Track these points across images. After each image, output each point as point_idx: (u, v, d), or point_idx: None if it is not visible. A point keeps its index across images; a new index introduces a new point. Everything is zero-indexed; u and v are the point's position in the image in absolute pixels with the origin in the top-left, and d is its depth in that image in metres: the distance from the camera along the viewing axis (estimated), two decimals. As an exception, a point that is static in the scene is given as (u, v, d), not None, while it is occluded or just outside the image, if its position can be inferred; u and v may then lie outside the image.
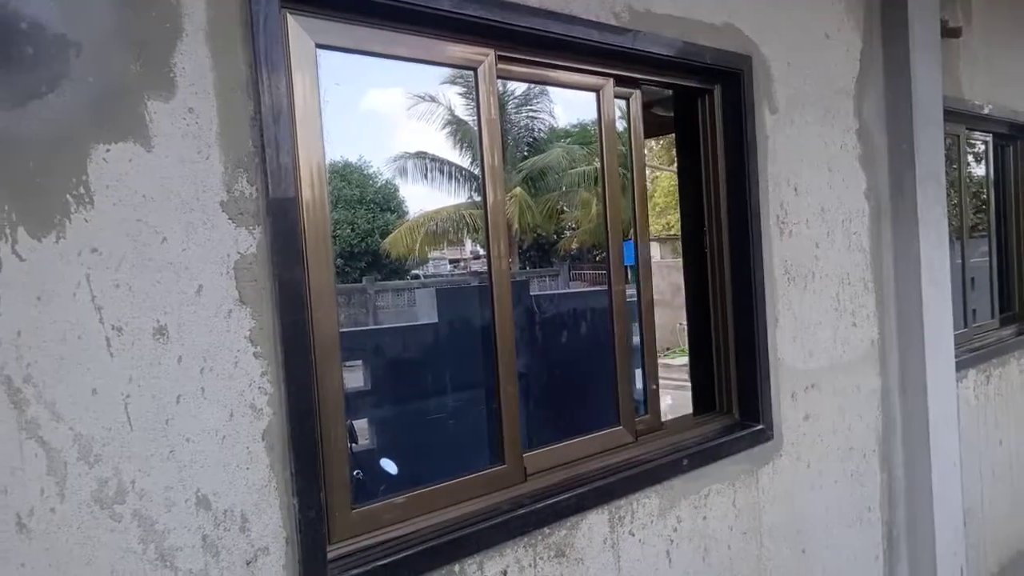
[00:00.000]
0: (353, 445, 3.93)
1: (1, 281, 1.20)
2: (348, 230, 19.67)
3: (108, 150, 1.30)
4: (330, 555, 1.59)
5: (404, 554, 1.66)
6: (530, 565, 1.92)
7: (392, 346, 5.10)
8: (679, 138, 2.79)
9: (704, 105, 2.59)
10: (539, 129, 18.14)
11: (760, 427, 2.58)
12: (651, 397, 2.49)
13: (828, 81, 2.88)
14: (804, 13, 2.80)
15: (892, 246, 3.19)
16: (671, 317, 13.72)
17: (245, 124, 1.46)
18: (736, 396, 2.63)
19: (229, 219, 1.44)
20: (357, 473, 3.17)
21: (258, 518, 1.46)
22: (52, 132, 1.25)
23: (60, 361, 1.24)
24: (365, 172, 21.87)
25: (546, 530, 1.96)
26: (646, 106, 7.81)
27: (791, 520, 2.73)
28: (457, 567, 1.77)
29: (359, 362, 5.31)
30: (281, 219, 1.49)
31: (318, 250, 1.61)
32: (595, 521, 2.08)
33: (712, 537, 2.42)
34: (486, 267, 2.01)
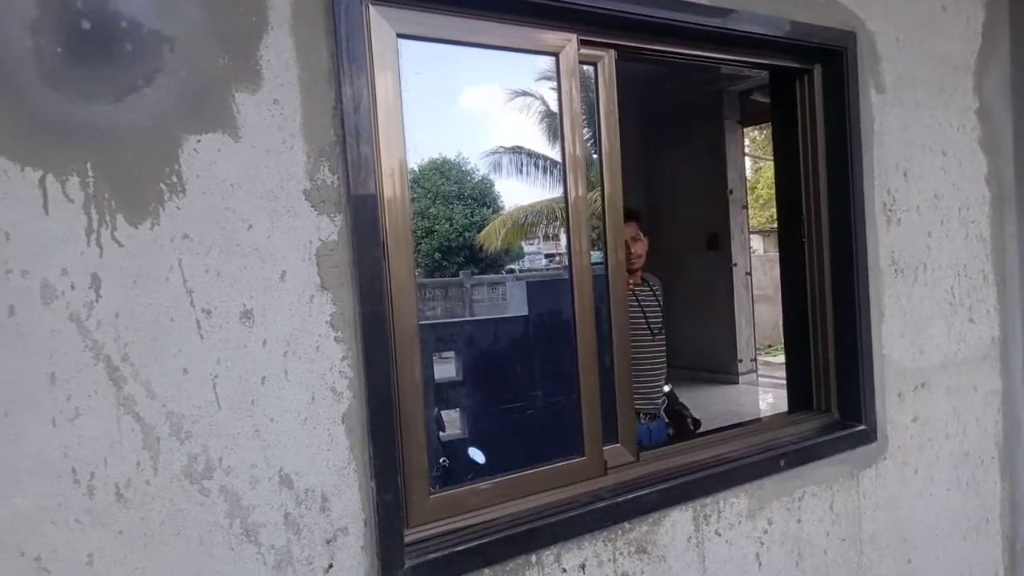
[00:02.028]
0: (441, 433, 4.00)
1: (102, 266, 1.27)
2: (446, 225, 20.05)
3: (199, 140, 1.36)
4: (407, 538, 1.61)
5: (481, 541, 1.66)
6: (609, 560, 1.88)
7: (483, 337, 5.16)
8: (775, 123, 2.66)
9: (803, 86, 2.45)
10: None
11: (862, 428, 2.43)
12: (623, 423, 2.04)
13: (944, 57, 2.67)
14: (917, -15, 2.61)
15: (1017, 236, 2.93)
16: (774, 313, 13.18)
17: (327, 114, 1.50)
18: (836, 394, 2.49)
19: (311, 207, 1.47)
20: (444, 461, 3.21)
21: (338, 499, 1.49)
22: (148, 124, 1.32)
23: (154, 342, 1.31)
24: (463, 168, 22.25)
25: (626, 525, 1.91)
26: (744, 93, 7.48)
27: (896, 528, 2.56)
28: (534, 557, 1.76)
29: (452, 353, 5.40)
30: (361, 207, 1.51)
31: (398, 238, 1.63)
32: (679, 519, 2.02)
33: (807, 542, 2.30)
34: (568, 261, 1.98)
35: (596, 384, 1.95)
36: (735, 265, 7.27)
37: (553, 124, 16.58)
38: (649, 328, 2.98)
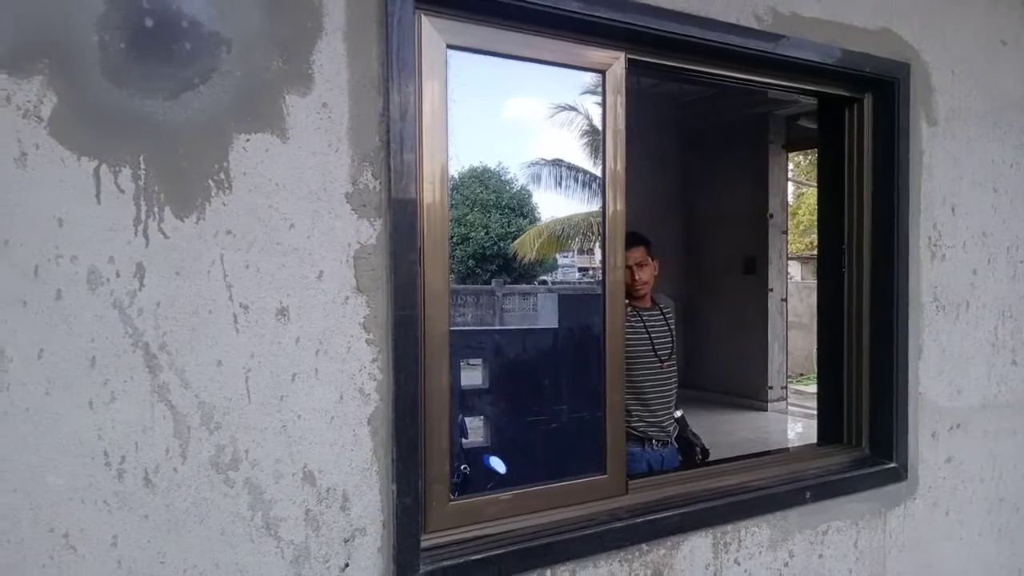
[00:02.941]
0: (463, 440, 4.00)
1: (147, 256, 1.31)
2: (482, 233, 20.15)
3: (248, 139, 1.39)
4: (424, 543, 1.62)
5: (497, 552, 1.67)
6: (626, 581, 1.87)
7: (512, 347, 5.17)
8: (822, 149, 2.63)
9: (852, 115, 2.42)
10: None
11: (892, 465, 2.38)
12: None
13: (1001, 92, 2.62)
14: (977, 17, 2.56)
15: (1066, 279, 2.85)
16: (808, 341, 12.97)
17: (373, 120, 1.52)
18: (867, 429, 2.44)
19: (352, 210, 1.50)
20: (464, 468, 3.22)
21: (359, 499, 1.51)
22: (200, 121, 1.35)
23: (192, 332, 1.34)
24: (503, 178, 22.34)
25: (644, 547, 1.90)
26: (791, 118, 7.42)
27: (922, 571, 2.49)
28: (549, 572, 1.75)
29: (479, 360, 5.42)
30: (401, 213, 1.53)
31: (435, 245, 1.64)
32: (697, 544, 1.99)
33: (828, 577, 2.26)
34: (602, 276, 1.98)
35: (622, 401, 1.95)
36: (771, 290, 7.18)
37: (595, 140, 16.60)
38: (656, 355, 2.91)
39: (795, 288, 11.81)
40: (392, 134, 1.52)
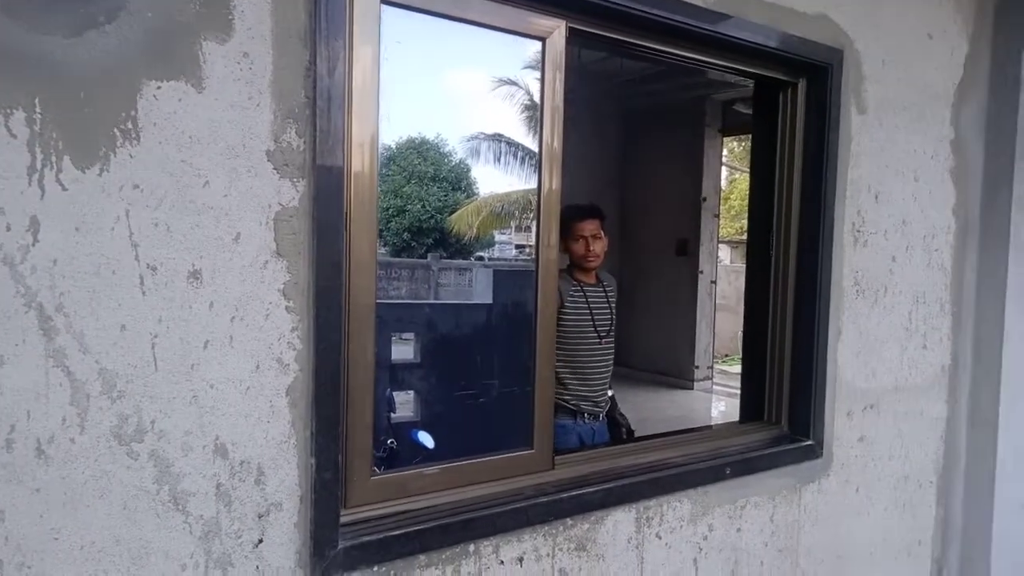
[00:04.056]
0: (391, 415, 3.94)
1: (42, 209, 1.20)
2: (419, 206, 19.88)
3: (159, 87, 1.29)
4: (344, 519, 1.57)
5: (419, 527, 1.63)
6: (548, 555, 1.87)
7: (445, 322, 5.11)
8: (756, 133, 2.65)
9: (786, 99, 2.45)
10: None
11: (809, 443, 2.45)
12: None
13: (926, 84, 2.69)
14: (908, 10, 2.62)
15: (976, 268, 2.98)
16: (734, 323, 13.36)
17: (299, 75, 1.44)
18: (787, 408, 2.51)
19: (274, 169, 1.41)
20: (391, 442, 3.17)
21: (274, 473, 1.44)
22: (105, 64, 1.24)
23: (92, 294, 1.25)
24: (441, 150, 22.05)
25: (568, 521, 1.90)
26: (727, 103, 7.53)
27: (832, 544, 2.59)
28: (472, 547, 1.73)
29: (411, 335, 5.35)
30: (326, 175, 1.46)
31: (363, 213, 1.57)
32: (621, 519, 2.01)
33: (744, 551, 2.32)
34: (535, 253, 1.95)
35: (551, 377, 1.93)
36: (701, 272, 7.31)
37: (535, 116, 16.55)
38: (596, 331, 2.93)
39: (724, 271, 12.11)
40: (319, 91, 1.44)
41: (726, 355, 13.92)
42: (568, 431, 2.81)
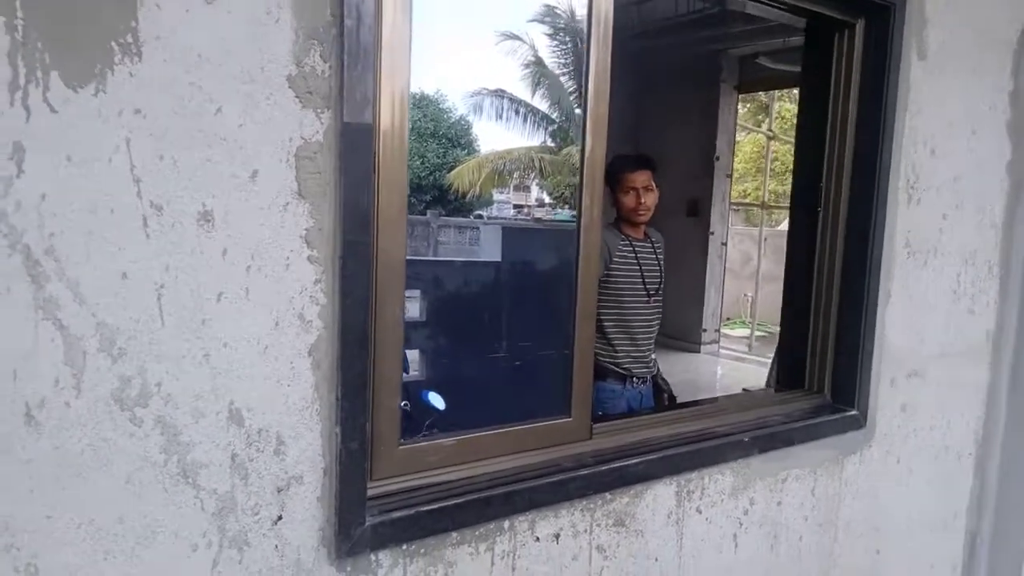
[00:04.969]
0: (404, 375, 3.80)
1: (28, 133, 1.02)
2: (418, 162, 19.51)
3: (162, -5, 1.10)
4: (370, 492, 1.42)
5: (452, 502, 1.48)
6: (586, 531, 1.73)
7: (452, 280, 4.93)
8: (805, 81, 2.45)
9: (842, 42, 2.24)
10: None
11: (853, 413, 2.31)
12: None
13: (988, 28, 2.49)
14: (971, -54, 2.40)
15: (1026, 229, 2.80)
16: (738, 286, 13.24)
17: (324, -13, 1.24)
18: (830, 376, 2.36)
19: (296, 97, 1.23)
20: (405, 404, 3.02)
21: (295, 443, 1.28)
22: (99, -36, 1.05)
23: (88, 235, 1.07)
24: (440, 106, 21.57)
25: (608, 495, 1.75)
26: (744, 58, 7.28)
27: (871, 517, 2.47)
28: (507, 523, 1.59)
29: (416, 292, 5.18)
30: (355, 104, 1.27)
31: (392, 153, 1.39)
32: (661, 492, 1.87)
33: (784, 525, 2.19)
34: (576, 214, 1.77)
35: (592, 338, 1.77)
36: (712, 234, 7.15)
37: (538, 72, 16.11)
38: (645, 289, 2.80)
39: (729, 234, 11.91)
40: (347, 7, 1.25)
41: (728, 318, 13.81)
42: (617, 396, 2.69)
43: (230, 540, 1.24)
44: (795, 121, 2.53)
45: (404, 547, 1.44)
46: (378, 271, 1.38)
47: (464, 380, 3.90)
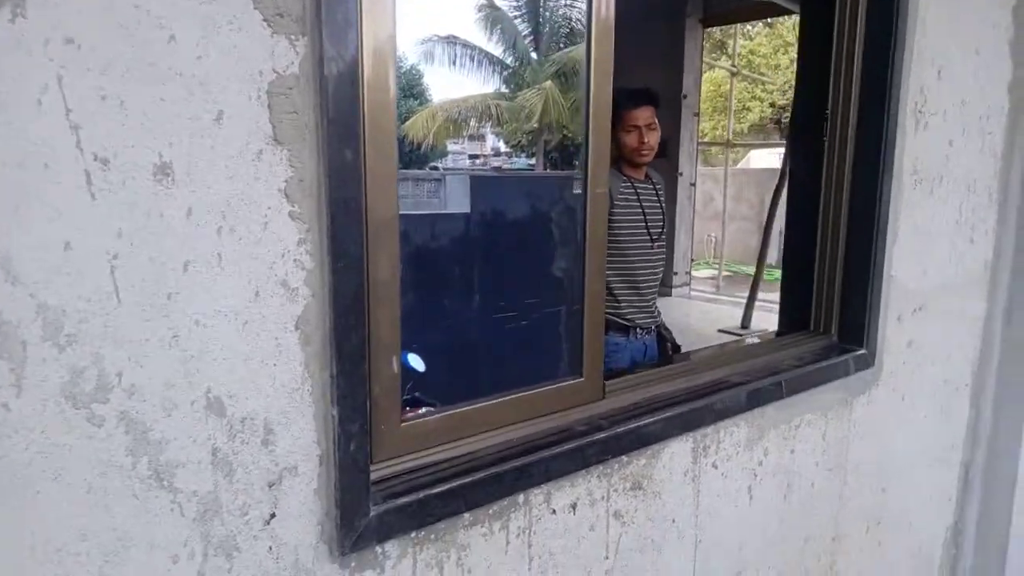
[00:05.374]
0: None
1: (-76, 71, 0.80)
2: (370, 113, 18.85)
3: None
4: (373, 477, 1.26)
5: (462, 480, 1.33)
6: (603, 498, 1.60)
7: (418, 234, 4.72)
8: (806, 4, 2.27)
9: (846, -45, 2.07)
10: (577, 19, 16.97)
11: (862, 352, 2.22)
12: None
13: (993, -61, 2.34)
14: None
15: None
16: (700, 228, 13.24)
17: None
18: (838, 315, 2.25)
19: (264, 20, 1.01)
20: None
21: (286, 430, 1.11)
22: None
23: (18, 198, 0.86)
24: (390, 53, 20.76)
25: (624, 458, 1.63)
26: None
27: (877, 457, 2.41)
28: (521, 497, 1.45)
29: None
30: (335, 29, 1.06)
31: (380, 89, 1.18)
32: (678, 450, 1.75)
33: (797, 473, 2.10)
34: (583, 162, 1.59)
35: (603, 292, 1.61)
36: (681, 174, 7.02)
37: (492, 14, 15.59)
38: (648, 233, 2.65)
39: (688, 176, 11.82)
40: (316, -94, 1.03)
41: (693, 260, 13.84)
42: (620, 349, 2.55)
43: (216, 547, 1.07)
44: (792, 57, 2.36)
45: (413, 535, 1.29)
46: (369, 224, 1.19)
47: (450, 342, 3.73)
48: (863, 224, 2.15)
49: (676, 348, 2.81)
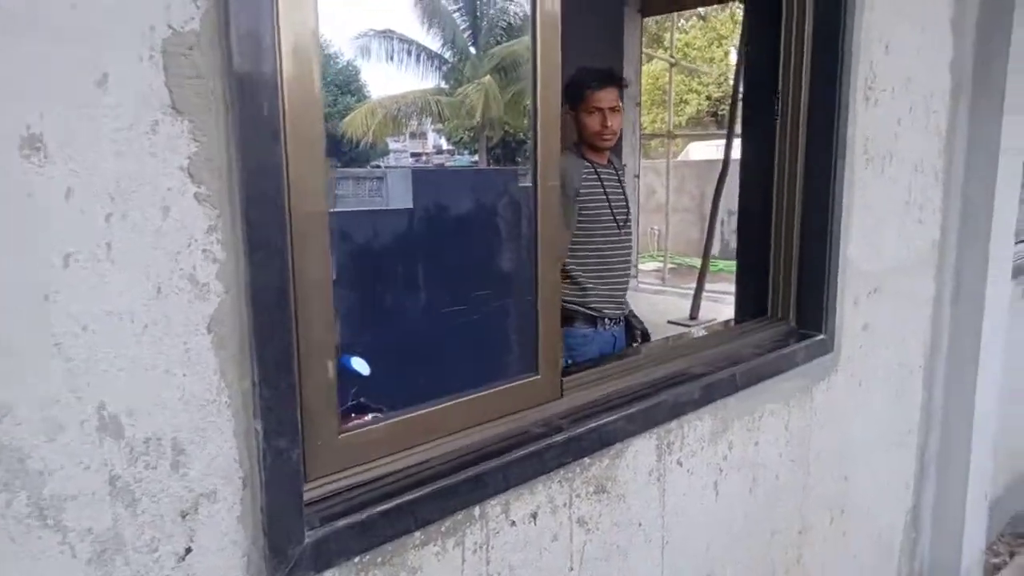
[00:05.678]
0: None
1: None
2: (306, 112, 18.32)
3: None
4: (307, 497, 1.11)
5: (411, 495, 1.19)
6: (565, 504, 1.48)
7: (360, 232, 4.53)
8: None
9: (794, -74, 2.00)
10: (515, 13, 16.90)
11: (821, 337, 2.15)
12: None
13: (936, -86, 2.31)
14: None
15: (967, 133, 2.71)
16: (644, 221, 13.32)
17: None
18: (795, 300, 2.18)
19: (151, -36, 0.85)
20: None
21: (200, 449, 0.95)
22: None
23: None
24: (325, 52, 20.33)
25: (586, 460, 1.51)
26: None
27: (837, 445, 2.35)
28: (477, 510, 1.31)
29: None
30: (239, -21, 0.91)
31: (300, 45, 1.03)
32: (642, 448, 1.64)
33: (762, 465, 2.03)
34: (532, 153, 1.46)
35: (558, 284, 1.49)
36: (625, 166, 6.97)
37: (428, 8, 15.37)
38: (615, 219, 2.54)
39: (628, 170, 11.88)
40: None
41: (639, 253, 13.91)
42: (588, 341, 2.44)
43: (122, 591, 0.91)
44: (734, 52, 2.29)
45: (356, 560, 1.14)
46: (293, 208, 1.04)
47: (393, 346, 3.56)
48: (818, 203, 2.09)
49: (646, 336, 2.73)
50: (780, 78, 2.09)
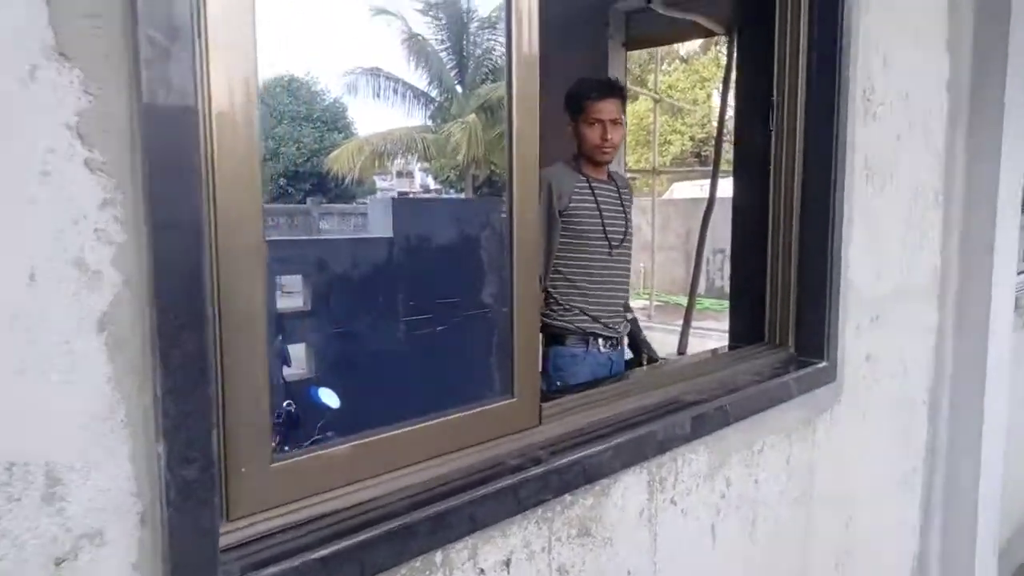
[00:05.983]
0: (286, 367, 3.22)
1: None
2: (293, 148, 18.27)
3: None
4: (227, 540, 0.92)
5: (358, 537, 0.99)
6: (543, 549, 1.28)
7: (340, 261, 4.35)
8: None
9: (789, -73, 1.89)
10: (501, 54, 16.99)
11: (823, 364, 1.99)
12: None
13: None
14: None
15: (966, 154, 2.59)
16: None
17: None
18: (794, 325, 2.02)
19: None
20: (288, 405, 2.47)
21: (84, 478, 0.76)
22: None
23: None
24: (313, 88, 20.34)
25: (568, 498, 1.32)
26: (631, 13, 6.99)
27: (841, 483, 2.17)
28: (439, 555, 1.12)
29: (299, 278, 4.57)
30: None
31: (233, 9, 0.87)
32: (631, 484, 1.45)
33: (762, 504, 1.84)
34: (507, 181, 1.32)
35: (536, 300, 1.32)
36: (631, 180, 6.88)
37: (415, 47, 15.43)
38: (606, 237, 2.39)
39: (619, 205, 11.87)
40: None
41: (623, 291, 13.77)
42: (578, 361, 2.28)
43: (-29, 661, 0.71)
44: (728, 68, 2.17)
45: (290, 616, 0.94)
46: (217, 177, 0.87)
47: (367, 371, 3.35)
48: (817, 222, 1.95)
49: (653, 363, 2.57)
50: (776, 80, 1.96)
